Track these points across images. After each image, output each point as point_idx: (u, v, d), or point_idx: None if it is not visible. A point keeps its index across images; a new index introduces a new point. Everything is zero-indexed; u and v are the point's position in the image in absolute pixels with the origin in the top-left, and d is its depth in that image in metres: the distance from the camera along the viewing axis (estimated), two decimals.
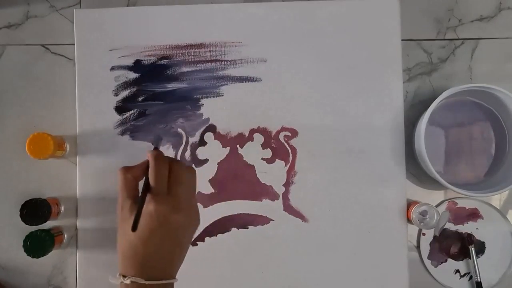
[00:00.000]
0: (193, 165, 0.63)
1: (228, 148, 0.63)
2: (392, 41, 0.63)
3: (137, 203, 0.47)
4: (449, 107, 0.63)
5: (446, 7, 0.65)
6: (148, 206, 0.46)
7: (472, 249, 0.61)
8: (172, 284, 0.48)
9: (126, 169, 0.50)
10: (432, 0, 0.65)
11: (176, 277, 0.48)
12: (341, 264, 0.62)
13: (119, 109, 0.64)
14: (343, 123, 0.63)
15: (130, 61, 0.64)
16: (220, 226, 0.62)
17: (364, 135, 0.63)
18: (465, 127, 0.64)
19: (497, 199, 0.64)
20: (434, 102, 0.58)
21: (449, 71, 0.65)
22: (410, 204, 0.62)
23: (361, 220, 0.62)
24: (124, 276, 0.46)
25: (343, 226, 0.62)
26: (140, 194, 0.48)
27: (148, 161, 0.50)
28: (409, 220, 0.62)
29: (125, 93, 0.64)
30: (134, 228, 0.45)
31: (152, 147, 0.58)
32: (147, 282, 0.45)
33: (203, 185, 0.63)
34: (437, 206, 0.63)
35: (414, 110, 0.64)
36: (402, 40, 0.63)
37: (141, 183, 0.50)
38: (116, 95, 0.64)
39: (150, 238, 0.46)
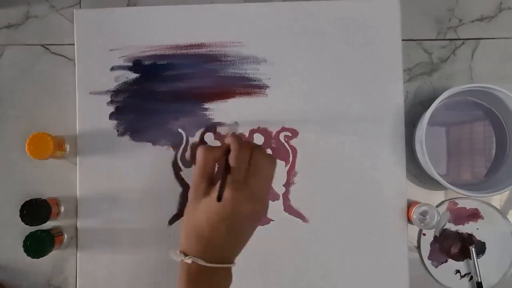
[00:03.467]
0: (194, 166, 0.63)
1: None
2: (393, 41, 0.63)
3: (211, 184, 0.48)
4: (450, 107, 0.63)
5: (447, 7, 0.65)
6: (226, 191, 0.46)
7: (473, 249, 0.61)
8: (229, 269, 0.49)
9: (208, 149, 0.49)
10: (433, 0, 0.65)
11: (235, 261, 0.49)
12: (341, 265, 0.62)
13: (119, 109, 0.63)
14: (344, 123, 0.63)
15: (130, 61, 0.64)
16: None
17: (364, 135, 0.63)
18: (465, 127, 0.64)
19: (497, 199, 0.64)
20: (434, 102, 0.58)
21: (450, 71, 0.65)
22: (410, 204, 0.62)
23: (362, 220, 0.62)
24: (185, 255, 0.46)
25: (343, 226, 0.62)
26: (220, 174, 0.48)
27: (228, 145, 0.49)
28: (409, 221, 0.62)
29: (125, 93, 0.64)
30: (219, 199, 0.45)
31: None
32: (207, 264, 0.46)
33: None
34: (437, 206, 0.63)
35: (414, 110, 0.64)
36: (402, 40, 0.63)
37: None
38: (116, 95, 0.64)
39: (218, 224, 0.46)
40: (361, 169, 0.63)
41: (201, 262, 0.46)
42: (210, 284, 0.47)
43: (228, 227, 0.47)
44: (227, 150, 0.49)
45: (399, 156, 0.63)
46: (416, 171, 0.64)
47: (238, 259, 0.62)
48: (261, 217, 0.50)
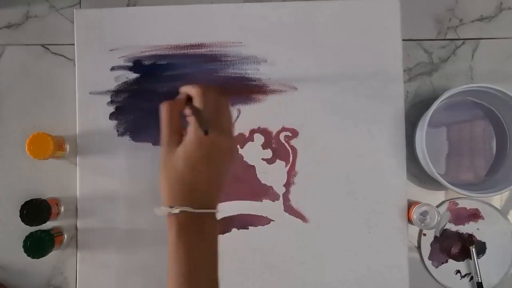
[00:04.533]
0: None
1: None
2: (393, 41, 0.63)
3: (181, 135, 0.50)
4: (450, 107, 0.63)
5: (447, 7, 0.65)
6: (198, 132, 0.48)
7: (473, 249, 0.61)
8: (215, 216, 0.50)
9: (170, 104, 0.52)
10: (433, 0, 0.65)
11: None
12: (341, 265, 0.62)
13: (119, 109, 0.63)
14: (344, 123, 0.63)
15: (130, 61, 0.64)
16: (220, 227, 0.62)
17: (364, 135, 0.63)
18: (466, 127, 0.63)
19: (498, 199, 0.64)
20: (435, 102, 0.58)
21: (450, 71, 0.65)
22: (410, 204, 0.62)
23: (362, 220, 0.62)
24: (171, 207, 0.48)
25: (343, 226, 0.62)
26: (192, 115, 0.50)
27: (186, 96, 0.53)
28: (409, 221, 0.62)
29: (125, 93, 0.64)
30: (206, 132, 0.48)
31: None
32: (195, 210, 0.47)
33: None
34: (437, 206, 0.63)
35: (414, 110, 0.64)
36: (402, 40, 0.63)
37: None
38: (116, 95, 0.64)
39: (198, 164, 0.48)
40: (361, 169, 0.63)
41: (188, 209, 0.47)
42: (199, 232, 0.48)
43: (208, 165, 0.48)
44: (188, 99, 0.52)
45: (399, 156, 0.62)
46: (416, 171, 0.64)
47: (240, 259, 0.62)
48: (234, 153, 0.52)
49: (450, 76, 0.65)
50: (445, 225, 0.63)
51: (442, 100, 0.58)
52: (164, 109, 0.51)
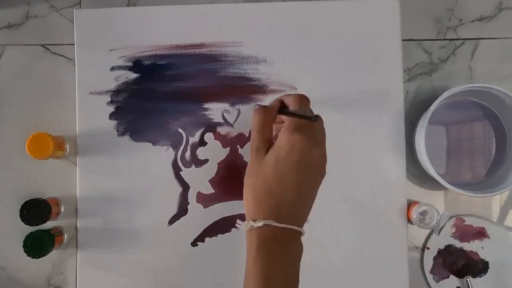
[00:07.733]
0: (193, 166, 0.63)
1: (228, 148, 0.63)
2: (392, 41, 0.63)
3: (271, 144, 0.48)
4: (450, 107, 0.63)
5: (446, 7, 0.65)
6: (293, 135, 0.45)
7: (469, 280, 0.61)
8: (300, 236, 0.46)
9: (264, 110, 0.48)
10: (433, 0, 0.65)
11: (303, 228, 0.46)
12: (341, 264, 0.62)
13: (119, 109, 0.64)
14: (343, 123, 0.63)
15: (130, 61, 0.64)
16: (220, 227, 0.62)
17: (364, 135, 0.63)
18: (465, 127, 0.64)
19: (497, 199, 0.64)
20: (434, 102, 0.58)
21: (450, 71, 0.65)
22: (410, 204, 0.62)
23: (361, 220, 0.62)
24: (254, 221, 0.45)
25: (343, 226, 0.62)
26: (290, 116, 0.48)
27: (279, 102, 0.50)
28: (409, 220, 0.62)
29: (125, 93, 0.64)
30: (316, 118, 0.46)
31: None
32: (279, 225, 0.44)
33: (203, 185, 0.63)
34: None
35: (414, 110, 0.64)
36: (402, 40, 0.63)
37: None
38: (116, 95, 0.64)
39: (287, 174, 0.45)
40: (361, 169, 0.63)
41: (272, 223, 0.44)
42: (281, 252, 0.44)
43: (297, 175, 0.45)
44: (282, 106, 0.50)
45: (399, 156, 0.63)
46: (416, 171, 0.64)
47: (239, 259, 0.62)
48: (323, 168, 0.48)
49: (450, 76, 0.65)
50: (445, 224, 0.63)
51: (442, 100, 0.58)
52: (257, 114, 0.48)
